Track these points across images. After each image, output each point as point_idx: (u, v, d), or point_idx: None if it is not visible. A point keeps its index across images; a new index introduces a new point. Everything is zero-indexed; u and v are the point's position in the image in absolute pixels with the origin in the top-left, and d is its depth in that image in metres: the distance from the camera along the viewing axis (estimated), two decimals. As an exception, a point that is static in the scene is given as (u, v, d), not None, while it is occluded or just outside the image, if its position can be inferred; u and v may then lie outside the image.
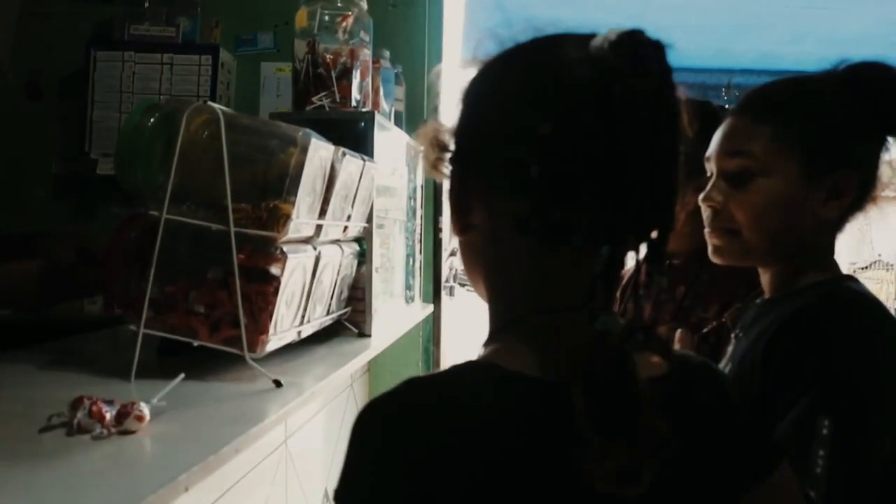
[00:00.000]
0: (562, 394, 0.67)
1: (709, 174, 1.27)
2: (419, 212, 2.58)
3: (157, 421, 1.07)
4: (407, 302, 2.44)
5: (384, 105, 2.26)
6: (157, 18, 2.51)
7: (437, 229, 2.84)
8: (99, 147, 2.47)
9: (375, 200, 1.92)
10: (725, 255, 1.25)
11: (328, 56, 1.89)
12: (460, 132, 0.79)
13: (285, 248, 1.36)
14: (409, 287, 2.45)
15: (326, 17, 1.90)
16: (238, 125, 1.38)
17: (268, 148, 1.39)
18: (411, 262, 2.49)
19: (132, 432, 1.03)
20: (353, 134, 1.84)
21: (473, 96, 0.79)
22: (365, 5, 1.96)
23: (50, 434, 1.02)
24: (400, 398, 0.72)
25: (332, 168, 1.51)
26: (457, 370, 0.73)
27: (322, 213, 1.52)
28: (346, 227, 1.71)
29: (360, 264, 1.86)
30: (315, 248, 1.50)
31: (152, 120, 1.42)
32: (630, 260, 0.74)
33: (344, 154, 1.54)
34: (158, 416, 1.08)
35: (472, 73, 0.80)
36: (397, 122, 2.36)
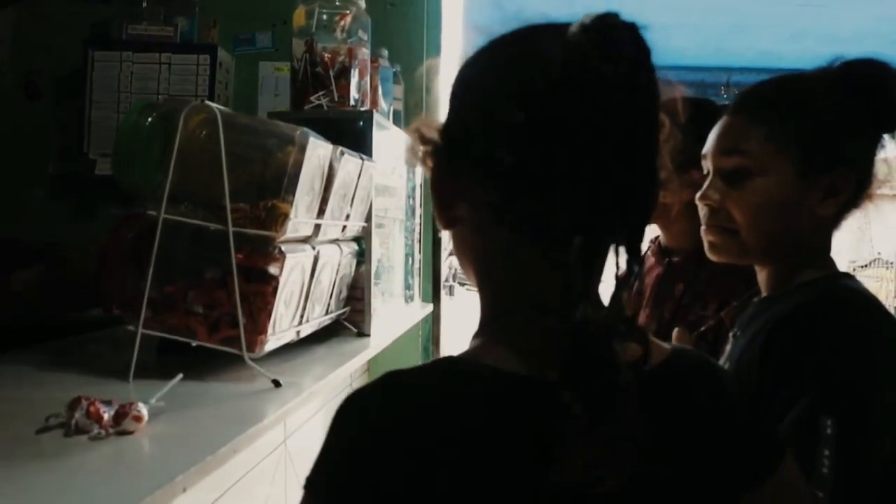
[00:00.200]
0: (541, 390, 0.66)
1: (705, 171, 1.27)
2: (418, 211, 2.58)
3: (156, 421, 1.07)
4: (406, 301, 2.43)
5: (383, 104, 2.26)
6: (155, 18, 2.51)
7: (436, 228, 2.84)
8: (97, 147, 2.46)
9: (375, 200, 1.92)
10: (722, 252, 1.25)
11: (326, 55, 1.89)
12: (443, 125, 0.79)
13: (284, 248, 1.36)
14: (408, 286, 2.45)
15: (324, 17, 1.90)
16: (236, 124, 1.38)
17: (266, 147, 1.39)
18: (410, 262, 2.48)
19: (130, 433, 1.03)
20: (352, 133, 1.84)
21: (453, 89, 0.79)
22: (363, 4, 1.96)
23: (47, 435, 1.02)
24: (377, 391, 0.71)
25: (331, 167, 1.51)
26: (436, 365, 0.73)
27: (320, 212, 1.52)
28: (344, 227, 1.71)
29: (359, 264, 1.86)
30: (314, 248, 1.49)
31: (150, 119, 1.42)
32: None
33: (342, 153, 1.54)
34: (156, 417, 1.08)
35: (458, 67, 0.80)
36: (396, 121, 2.36)
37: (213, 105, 1.34)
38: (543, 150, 0.68)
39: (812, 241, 1.21)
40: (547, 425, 0.65)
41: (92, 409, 1.03)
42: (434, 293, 2.81)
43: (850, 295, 1.18)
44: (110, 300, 1.50)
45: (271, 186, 1.36)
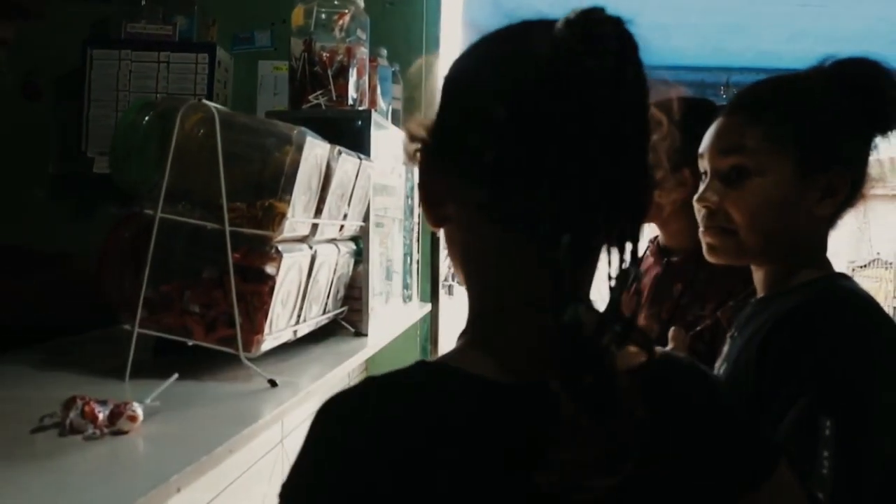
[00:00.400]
0: (521, 393, 0.65)
1: (702, 172, 1.27)
2: (416, 210, 2.57)
3: (151, 421, 1.07)
4: (404, 301, 2.43)
5: (381, 103, 2.25)
6: (154, 17, 2.50)
7: (435, 227, 2.83)
8: (96, 146, 2.46)
9: (375, 199, 1.92)
10: (721, 254, 1.25)
11: (325, 54, 1.89)
12: (432, 123, 0.78)
13: (281, 247, 1.35)
14: (406, 286, 2.45)
15: (323, 16, 1.90)
16: (233, 123, 1.38)
17: (263, 146, 1.38)
18: (409, 261, 2.48)
19: (125, 432, 1.03)
20: (350, 132, 1.84)
21: (443, 87, 0.78)
22: (362, 3, 1.96)
23: (42, 434, 1.02)
24: (354, 395, 0.71)
25: (328, 167, 1.51)
26: (414, 371, 0.72)
27: (318, 211, 1.52)
28: (342, 227, 1.71)
29: (356, 263, 1.86)
30: (311, 247, 1.49)
31: (147, 118, 1.42)
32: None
33: (340, 153, 1.54)
34: (152, 417, 1.08)
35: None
36: (395, 121, 2.35)
37: (211, 104, 1.34)
38: (529, 146, 0.67)
39: (809, 241, 1.21)
40: (526, 429, 0.64)
41: (87, 408, 1.03)
42: (432, 293, 2.81)
43: (848, 295, 1.18)
44: (108, 300, 1.49)
45: (268, 186, 1.36)
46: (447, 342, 2.91)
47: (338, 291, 1.77)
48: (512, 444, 0.66)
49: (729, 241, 1.21)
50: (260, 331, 1.34)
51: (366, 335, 1.86)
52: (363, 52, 1.97)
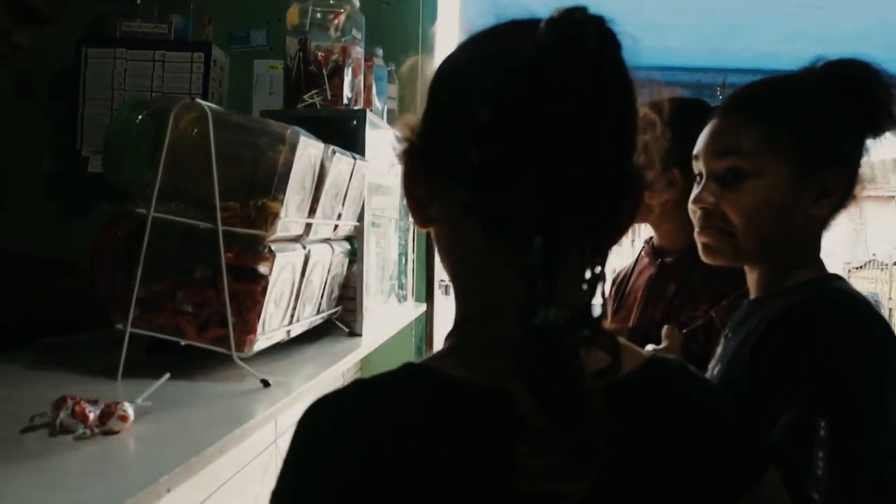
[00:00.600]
0: (495, 397, 0.64)
1: (696, 173, 1.27)
2: (411, 210, 2.56)
3: (142, 421, 1.06)
4: (399, 301, 2.43)
5: (377, 103, 2.25)
6: (150, 15, 2.49)
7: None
8: (90, 145, 2.45)
9: (372, 199, 1.92)
10: (717, 254, 1.25)
11: (320, 54, 1.88)
12: (416, 123, 0.78)
13: (274, 247, 1.35)
14: (401, 286, 2.45)
15: (318, 15, 1.90)
16: (227, 123, 1.38)
17: (256, 146, 1.38)
18: (404, 261, 2.48)
19: (115, 432, 1.02)
20: (345, 132, 1.84)
21: (429, 87, 0.78)
22: (357, 3, 1.96)
23: (32, 434, 1.01)
24: (340, 400, 0.72)
25: (322, 166, 1.51)
26: (399, 373, 0.73)
27: (312, 211, 1.52)
28: (336, 226, 1.70)
29: (351, 263, 1.85)
30: (304, 247, 1.49)
31: (140, 117, 1.42)
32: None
33: (334, 152, 1.54)
34: (143, 416, 1.08)
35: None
36: (390, 121, 2.35)
37: (204, 103, 1.33)
38: (509, 147, 0.67)
39: (804, 242, 1.22)
40: (499, 433, 0.63)
41: (77, 408, 1.02)
42: (427, 293, 2.81)
43: (842, 296, 1.18)
44: (101, 299, 1.49)
45: (262, 185, 1.36)
46: (442, 342, 2.90)
47: (332, 291, 1.76)
48: (486, 448, 0.65)
49: (726, 242, 1.21)
50: (253, 331, 1.34)
51: (360, 335, 1.86)
52: (358, 51, 1.96)
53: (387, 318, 2.16)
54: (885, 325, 1.15)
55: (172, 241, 1.35)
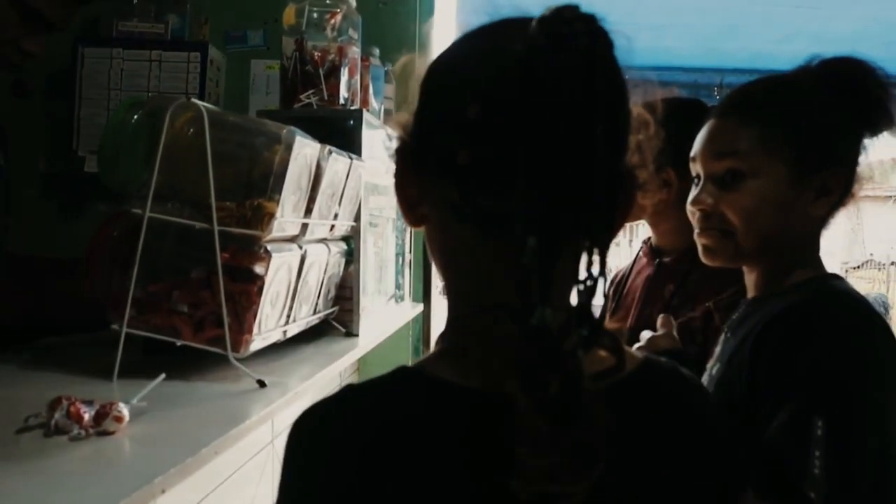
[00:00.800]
0: (494, 400, 0.64)
1: (694, 175, 1.27)
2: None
3: (137, 422, 1.06)
4: (396, 301, 2.43)
5: (374, 103, 2.25)
6: (146, 15, 2.49)
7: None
8: (86, 145, 2.44)
9: (370, 199, 1.92)
10: (717, 255, 1.25)
11: (316, 53, 1.88)
12: (407, 122, 0.78)
13: (270, 247, 1.35)
14: (398, 286, 2.44)
15: (315, 15, 1.89)
16: (222, 123, 1.37)
17: (252, 146, 1.38)
18: (401, 261, 2.48)
19: (111, 433, 1.02)
20: (342, 132, 1.83)
21: (420, 85, 0.78)
22: (353, 3, 1.96)
23: (27, 435, 1.01)
24: (332, 405, 0.72)
25: (318, 166, 1.50)
26: (391, 378, 0.72)
27: (308, 211, 1.51)
28: (332, 226, 1.70)
29: (347, 263, 1.85)
30: (301, 247, 1.49)
31: (136, 117, 1.41)
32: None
33: (330, 152, 1.53)
34: (138, 417, 1.07)
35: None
36: (387, 121, 2.35)
37: (199, 103, 1.33)
38: (499, 146, 0.67)
39: (804, 242, 1.22)
40: (494, 435, 0.63)
41: (72, 409, 1.02)
42: (425, 293, 2.80)
43: (841, 295, 1.18)
44: (96, 299, 1.49)
45: (258, 185, 1.36)
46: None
47: (328, 292, 1.76)
48: (484, 449, 0.65)
49: (726, 243, 1.21)
50: (249, 331, 1.34)
51: (357, 335, 1.85)
52: (355, 51, 1.96)
53: (384, 319, 2.15)
54: (884, 324, 1.15)
55: (168, 242, 1.35)
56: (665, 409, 0.77)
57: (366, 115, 1.89)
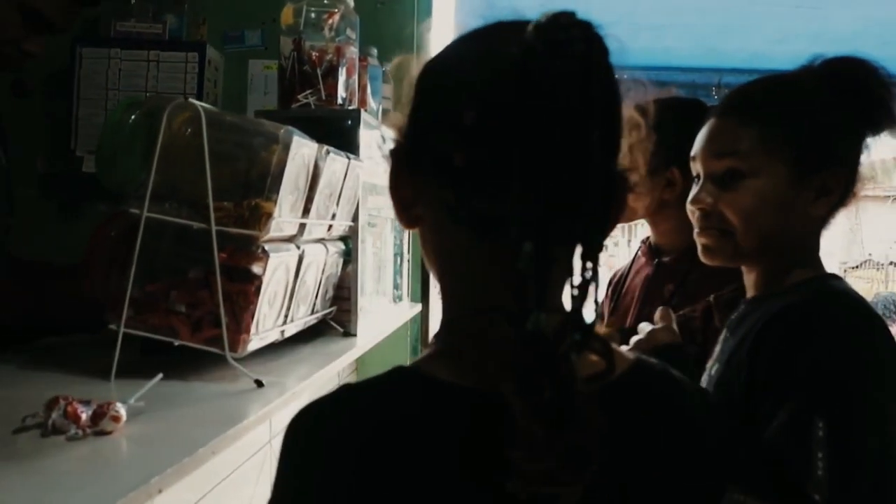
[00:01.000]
0: (489, 402, 0.64)
1: (694, 174, 1.27)
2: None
3: (134, 422, 1.06)
4: (395, 301, 2.43)
5: (372, 103, 2.25)
6: (144, 15, 2.48)
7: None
8: (85, 145, 2.44)
9: (368, 198, 1.92)
10: (717, 255, 1.25)
11: (314, 53, 1.88)
12: (402, 123, 0.78)
13: (267, 247, 1.35)
14: (396, 286, 2.44)
15: (312, 15, 1.89)
16: (220, 123, 1.37)
17: (250, 146, 1.38)
18: (399, 261, 2.48)
19: (108, 433, 1.02)
20: (340, 132, 1.83)
21: (415, 86, 0.78)
22: (351, 3, 1.96)
23: (24, 435, 1.01)
24: (327, 404, 0.72)
25: (316, 166, 1.50)
26: (387, 378, 0.72)
27: (305, 211, 1.51)
28: (330, 226, 1.70)
29: (345, 263, 1.85)
30: (298, 247, 1.48)
31: (133, 117, 1.41)
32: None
33: (328, 152, 1.53)
34: (136, 417, 1.07)
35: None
36: (385, 120, 2.35)
37: (197, 103, 1.33)
38: (495, 149, 0.67)
39: (803, 242, 1.22)
40: (489, 436, 0.63)
41: (70, 409, 1.02)
42: (423, 293, 2.80)
43: (840, 295, 1.18)
44: (94, 299, 1.49)
45: (255, 185, 1.35)
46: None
47: (326, 292, 1.76)
48: (479, 451, 0.65)
49: (725, 242, 1.22)
50: (246, 331, 1.33)
51: (355, 335, 1.85)
52: (353, 51, 1.96)
53: (382, 319, 2.15)
54: (884, 324, 1.15)
55: (166, 241, 1.35)
56: (656, 411, 0.77)
57: (363, 115, 1.89)
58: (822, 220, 1.23)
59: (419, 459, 0.67)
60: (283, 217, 1.39)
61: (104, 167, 1.45)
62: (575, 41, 0.63)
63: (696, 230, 1.27)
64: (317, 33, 1.90)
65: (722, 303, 1.46)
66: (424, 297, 2.81)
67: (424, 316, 2.83)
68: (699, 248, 1.27)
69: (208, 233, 1.30)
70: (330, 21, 1.90)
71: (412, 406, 0.70)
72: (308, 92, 1.87)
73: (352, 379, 2.51)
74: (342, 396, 0.73)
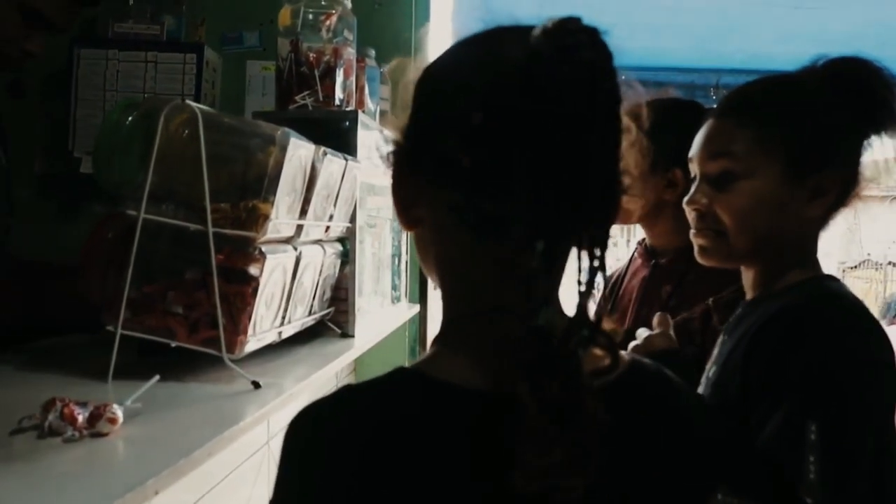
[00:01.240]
0: (494, 400, 0.66)
1: (692, 175, 1.27)
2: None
3: (131, 423, 1.06)
4: (393, 302, 2.43)
5: (369, 104, 2.25)
6: (142, 16, 2.48)
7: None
8: (82, 146, 2.44)
9: (367, 199, 1.92)
10: (712, 256, 1.25)
11: (311, 55, 1.88)
12: (405, 125, 0.78)
13: (264, 249, 1.35)
14: (395, 287, 2.44)
15: (310, 16, 1.89)
16: (217, 124, 1.37)
17: (247, 147, 1.38)
18: (397, 262, 2.48)
19: (104, 435, 1.02)
20: (337, 133, 1.83)
21: (417, 89, 0.78)
22: (349, 4, 1.96)
23: (21, 436, 1.01)
24: (329, 404, 0.72)
25: (313, 167, 1.50)
26: (389, 378, 0.73)
27: (303, 212, 1.51)
28: (328, 228, 1.70)
29: (343, 264, 1.85)
30: (295, 249, 1.49)
31: (131, 118, 1.41)
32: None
33: (325, 153, 1.53)
34: (132, 419, 1.07)
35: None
36: (383, 121, 2.34)
37: (194, 104, 1.33)
38: (502, 152, 0.68)
39: (799, 243, 1.22)
40: (492, 434, 0.64)
41: (66, 410, 1.02)
42: (421, 294, 2.80)
43: (835, 297, 1.18)
44: (91, 300, 1.49)
45: (252, 187, 1.36)
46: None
47: (324, 293, 1.76)
48: (481, 448, 0.66)
49: (720, 243, 1.22)
50: (243, 332, 1.34)
51: (352, 336, 1.85)
52: (350, 52, 1.96)
53: (380, 320, 2.15)
54: (878, 326, 1.15)
55: (162, 243, 1.35)
56: (651, 411, 0.78)
57: (361, 117, 1.89)
58: (819, 222, 1.23)
59: (420, 460, 0.67)
60: (280, 218, 1.39)
61: (101, 168, 1.46)
62: (582, 46, 0.65)
63: (692, 231, 1.27)
64: (314, 34, 1.90)
65: (721, 305, 1.46)
66: (423, 298, 2.81)
67: (423, 317, 2.83)
68: (695, 248, 1.27)
69: (205, 234, 1.30)
70: (327, 22, 1.90)
71: (413, 407, 0.70)
72: (305, 93, 1.87)
73: (350, 380, 2.51)
74: (343, 397, 0.73)
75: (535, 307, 0.64)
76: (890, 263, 9.50)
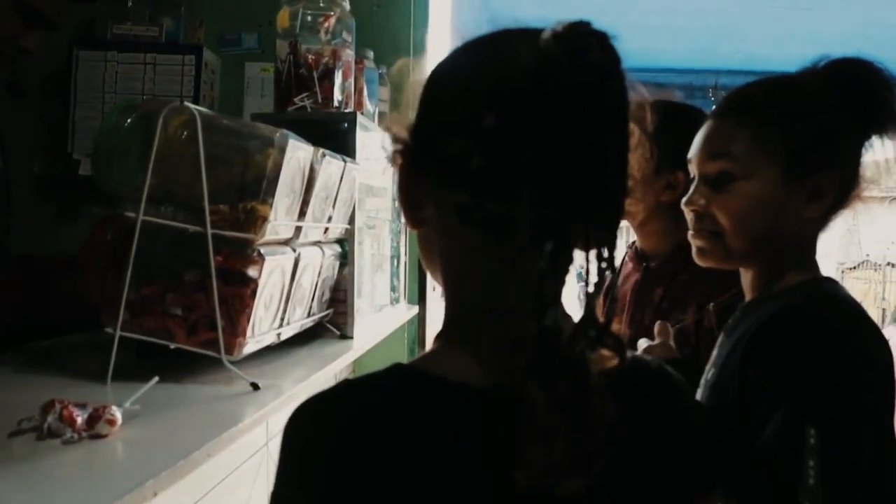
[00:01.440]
0: (496, 397, 0.66)
1: (691, 176, 1.27)
2: (403, 212, 2.56)
3: (130, 425, 1.06)
4: (392, 303, 2.43)
5: (368, 105, 2.25)
6: (141, 18, 2.48)
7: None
8: (81, 147, 2.44)
9: (366, 200, 1.92)
10: (709, 257, 1.25)
11: (310, 56, 1.88)
12: (413, 125, 0.79)
13: (263, 250, 1.35)
14: (393, 288, 2.44)
15: (308, 18, 1.89)
16: (216, 126, 1.38)
17: (245, 149, 1.38)
18: (396, 263, 2.48)
19: (103, 436, 1.02)
20: (336, 134, 1.83)
21: (425, 89, 0.79)
22: (347, 6, 1.96)
23: (20, 438, 1.01)
24: (327, 399, 0.72)
25: (312, 169, 1.51)
26: (387, 374, 0.73)
27: (301, 214, 1.51)
28: (326, 229, 1.70)
29: (341, 266, 1.85)
30: (294, 250, 1.49)
31: (129, 120, 1.41)
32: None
33: (324, 155, 1.54)
34: (131, 420, 1.08)
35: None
36: (381, 123, 2.34)
37: (192, 106, 1.33)
38: (511, 154, 0.68)
39: (797, 244, 1.21)
40: (495, 432, 0.65)
41: (65, 412, 1.02)
42: (420, 295, 2.80)
43: (833, 299, 1.18)
44: (90, 302, 1.49)
45: (251, 188, 1.36)
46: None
47: (323, 294, 1.76)
48: (479, 447, 0.67)
49: (717, 244, 1.21)
50: (242, 334, 1.34)
51: (351, 338, 1.85)
52: (349, 54, 1.96)
53: (379, 321, 2.15)
54: (876, 328, 1.15)
55: (161, 245, 1.35)
56: (652, 410, 0.78)
57: (360, 118, 1.89)
58: (817, 223, 1.22)
59: (421, 455, 0.67)
60: (279, 220, 1.40)
61: (100, 170, 1.46)
62: (592, 51, 0.65)
63: (689, 232, 1.27)
64: (313, 36, 1.90)
65: (721, 308, 1.46)
66: (422, 299, 2.81)
67: (422, 318, 2.83)
68: (693, 249, 1.27)
69: (204, 236, 1.30)
70: (326, 24, 1.90)
71: (412, 402, 0.70)
72: (304, 95, 1.87)
73: (349, 381, 2.51)
74: (341, 392, 0.73)
75: (543, 307, 0.65)
76: (889, 264, 9.52)
